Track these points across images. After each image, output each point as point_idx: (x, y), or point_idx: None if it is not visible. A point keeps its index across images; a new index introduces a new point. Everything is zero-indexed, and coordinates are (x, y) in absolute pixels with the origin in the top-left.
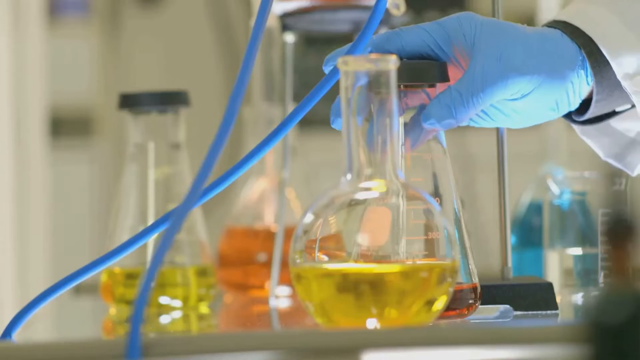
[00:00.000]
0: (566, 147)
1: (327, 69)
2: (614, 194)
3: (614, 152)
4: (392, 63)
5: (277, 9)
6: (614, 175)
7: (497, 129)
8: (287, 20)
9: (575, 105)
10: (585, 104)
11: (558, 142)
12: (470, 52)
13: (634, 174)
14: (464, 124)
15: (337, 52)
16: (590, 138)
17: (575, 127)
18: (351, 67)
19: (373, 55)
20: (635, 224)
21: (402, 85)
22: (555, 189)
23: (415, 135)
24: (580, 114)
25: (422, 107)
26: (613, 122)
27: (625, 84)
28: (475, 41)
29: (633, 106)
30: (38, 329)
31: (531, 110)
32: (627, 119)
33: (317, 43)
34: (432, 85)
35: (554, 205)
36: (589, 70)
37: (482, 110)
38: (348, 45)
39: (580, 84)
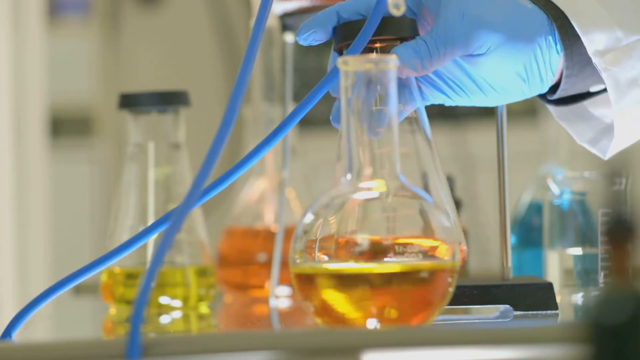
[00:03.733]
0: (566, 147)
1: (300, 39)
2: (614, 194)
3: (589, 136)
4: (392, 63)
5: (277, 9)
6: (614, 175)
7: (497, 129)
8: (287, 20)
9: (547, 79)
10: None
11: (558, 142)
12: (437, 12)
13: (606, 157)
14: (438, 101)
15: (311, 20)
16: (567, 122)
17: (552, 109)
18: (351, 67)
19: (372, 56)
20: (635, 224)
21: (377, 43)
22: (555, 189)
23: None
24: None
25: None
26: (590, 107)
27: (595, 60)
28: (442, 0)
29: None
30: (38, 329)
31: (500, 76)
32: (603, 104)
33: None
34: (404, 39)
35: (554, 205)
36: (560, 43)
37: (455, 83)
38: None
39: (550, 53)
